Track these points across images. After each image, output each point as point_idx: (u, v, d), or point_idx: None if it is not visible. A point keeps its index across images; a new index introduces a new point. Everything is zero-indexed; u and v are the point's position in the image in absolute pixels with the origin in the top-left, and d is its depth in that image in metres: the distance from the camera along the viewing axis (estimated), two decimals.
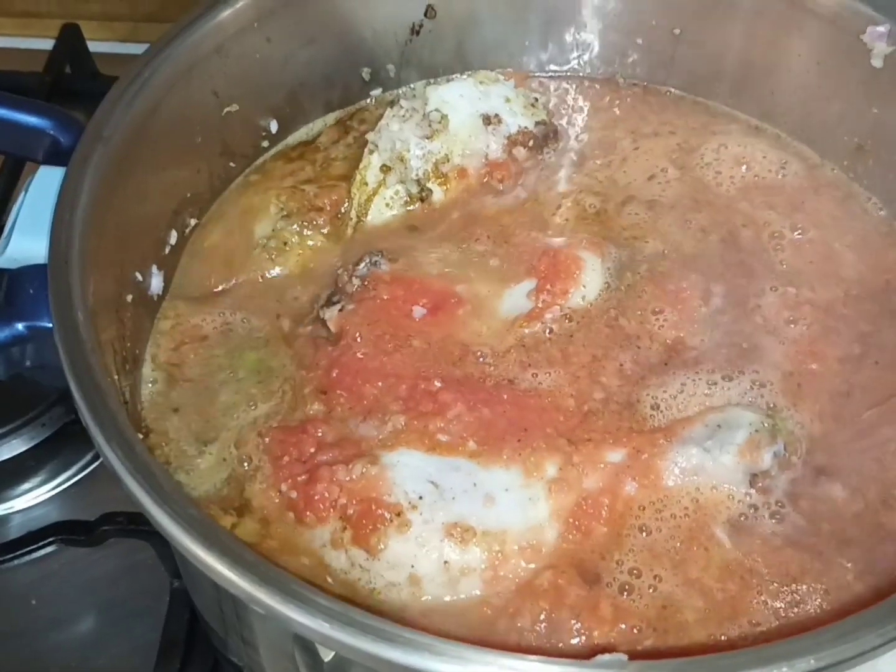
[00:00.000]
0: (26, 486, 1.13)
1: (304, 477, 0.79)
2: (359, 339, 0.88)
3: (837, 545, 0.78)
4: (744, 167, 1.04)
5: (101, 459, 1.09)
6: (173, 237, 0.95)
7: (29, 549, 1.08)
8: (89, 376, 0.67)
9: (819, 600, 0.75)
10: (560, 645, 0.71)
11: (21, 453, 1.13)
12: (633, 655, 0.61)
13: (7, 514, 1.12)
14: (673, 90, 1.13)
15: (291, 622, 0.58)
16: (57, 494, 1.13)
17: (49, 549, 1.08)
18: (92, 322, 0.71)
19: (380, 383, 0.85)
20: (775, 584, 0.76)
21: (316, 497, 0.78)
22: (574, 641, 0.71)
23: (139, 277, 0.89)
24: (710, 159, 1.05)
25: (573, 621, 0.72)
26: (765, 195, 1.02)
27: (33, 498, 1.13)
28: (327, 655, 0.66)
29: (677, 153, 1.06)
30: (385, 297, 0.91)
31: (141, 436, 0.79)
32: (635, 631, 0.73)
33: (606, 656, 0.60)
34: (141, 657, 0.99)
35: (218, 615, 0.84)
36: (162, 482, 0.62)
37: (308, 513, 0.78)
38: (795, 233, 0.99)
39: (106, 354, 0.75)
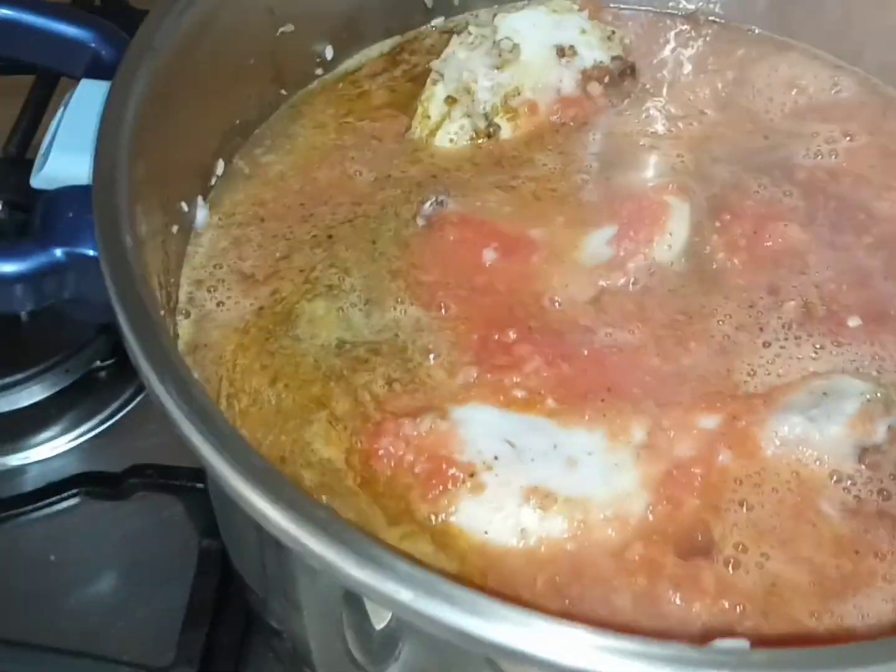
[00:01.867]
0: (46, 435, 1.08)
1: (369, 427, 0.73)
2: None
3: None
4: None
5: (128, 409, 1.07)
6: (220, 167, 0.88)
7: (49, 500, 1.02)
8: (140, 308, 0.59)
9: None
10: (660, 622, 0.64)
11: (41, 400, 1.07)
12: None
13: (25, 465, 1.06)
14: (756, 29, 1.05)
15: (372, 591, 0.51)
16: (79, 445, 1.08)
17: (70, 503, 1.03)
18: (141, 250, 0.64)
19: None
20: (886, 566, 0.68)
21: (381, 452, 0.71)
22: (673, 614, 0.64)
23: (185, 207, 0.81)
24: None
25: (671, 592, 0.66)
26: None
27: (53, 448, 1.07)
28: (380, 622, 0.60)
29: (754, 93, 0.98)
30: (452, 239, 0.84)
31: None
32: (738, 609, 0.66)
33: (727, 641, 0.53)
34: (167, 621, 0.93)
35: (259, 574, 0.78)
36: (221, 427, 0.55)
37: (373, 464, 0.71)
38: None
39: (154, 287, 0.67)
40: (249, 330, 0.80)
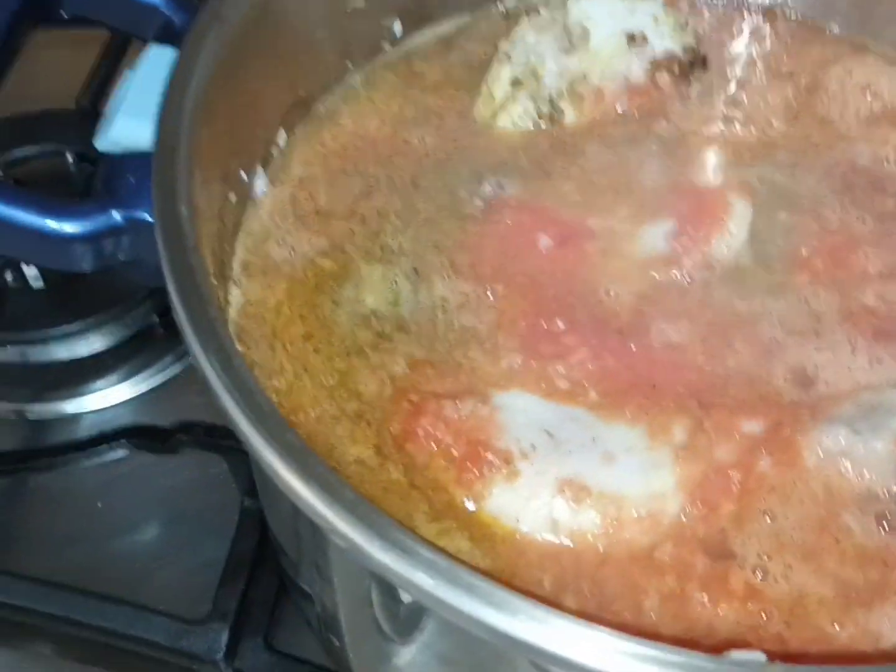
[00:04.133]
0: (101, 385, 1.10)
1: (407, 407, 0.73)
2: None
3: None
4: None
5: (182, 366, 1.09)
6: (282, 138, 0.88)
7: (99, 449, 1.04)
8: (190, 277, 0.60)
9: None
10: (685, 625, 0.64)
11: (99, 351, 1.09)
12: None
13: (80, 414, 1.09)
14: (835, 28, 1.02)
15: (391, 573, 0.52)
16: (133, 398, 1.11)
17: (120, 453, 1.05)
18: (196, 220, 0.64)
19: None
20: None
21: (418, 431, 0.71)
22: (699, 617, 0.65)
23: (244, 177, 0.82)
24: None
25: (699, 594, 0.66)
26: None
27: (108, 399, 1.10)
28: (407, 598, 0.60)
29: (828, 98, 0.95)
30: (509, 223, 0.83)
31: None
32: (763, 616, 0.65)
33: (743, 653, 0.53)
34: (206, 574, 0.95)
35: (292, 540, 0.79)
36: (261, 402, 0.56)
37: (408, 446, 0.72)
38: None
39: (206, 256, 0.68)
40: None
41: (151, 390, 1.10)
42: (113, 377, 1.11)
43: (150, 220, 0.66)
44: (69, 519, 1.01)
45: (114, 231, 0.70)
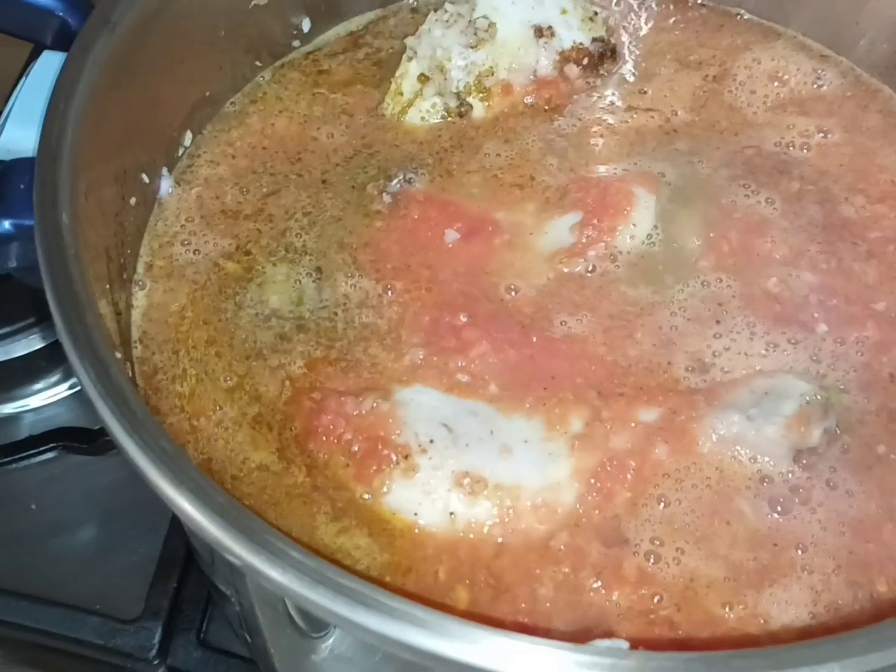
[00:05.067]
0: (39, 385, 1.10)
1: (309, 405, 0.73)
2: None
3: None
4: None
5: None
6: (188, 139, 0.88)
7: (30, 452, 1.05)
8: (68, 284, 0.60)
9: (852, 599, 0.68)
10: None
11: (34, 351, 1.09)
12: (637, 641, 0.55)
13: (18, 413, 1.09)
14: (744, 13, 1.02)
15: (258, 573, 0.53)
16: (70, 396, 1.10)
17: (52, 454, 1.05)
18: (80, 226, 0.65)
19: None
20: (805, 572, 0.68)
21: (320, 429, 0.72)
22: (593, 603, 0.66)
23: (146, 180, 0.82)
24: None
25: (593, 581, 0.67)
26: None
27: (45, 398, 1.10)
28: None
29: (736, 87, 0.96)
30: (416, 217, 0.84)
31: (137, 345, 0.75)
32: (654, 600, 0.67)
33: (606, 641, 0.54)
34: (138, 573, 0.96)
35: (203, 544, 0.79)
36: (134, 408, 0.56)
37: (310, 445, 0.72)
38: None
39: (97, 261, 0.69)
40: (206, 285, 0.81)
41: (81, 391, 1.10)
42: (50, 378, 1.11)
43: None
44: (3, 521, 1.02)
45: (4, 238, 0.70)
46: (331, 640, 0.69)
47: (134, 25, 0.76)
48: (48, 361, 1.10)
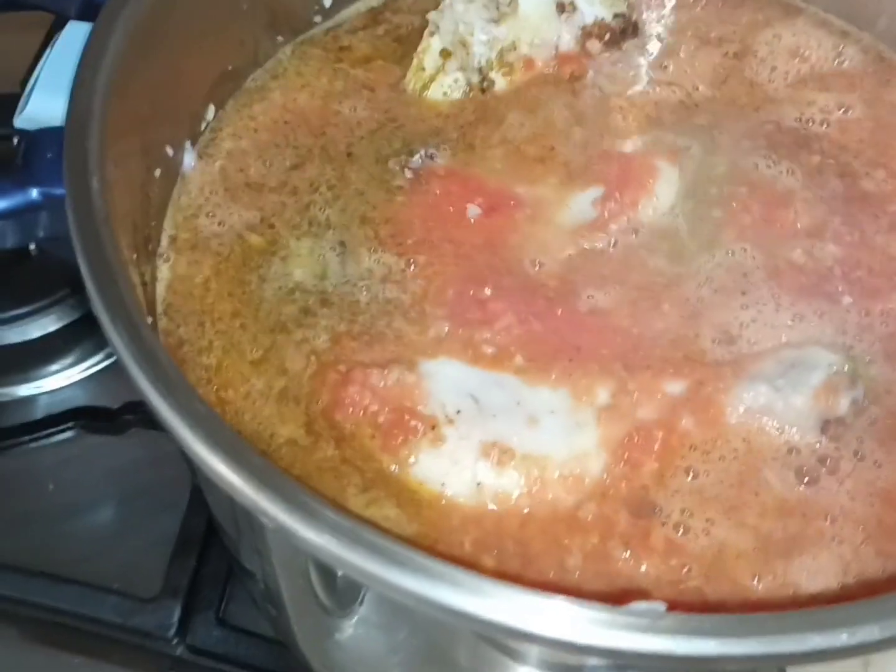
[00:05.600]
0: (54, 367, 1.10)
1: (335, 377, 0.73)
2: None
3: None
4: None
5: None
6: (210, 112, 0.88)
7: (48, 432, 1.05)
8: (100, 249, 0.60)
9: (881, 569, 0.67)
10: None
11: (50, 333, 1.09)
12: (673, 604, 0.54)
13: (34, 395, 1.09)
14: None
15: (296, 537, 0.52)
16: (85, 378, 1.10)
17: (69, 434, 1.06)
18: (109, 193, 0.64)
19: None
20: (834, 541, 0.68)
21: (347, 401, 0.72)
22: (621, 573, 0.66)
23: (170, 152, 0.82)
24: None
25: (622, 551, 0.67)
26: None
27: (61, 380, 1.10)
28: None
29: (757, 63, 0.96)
30: (438, 193, 0.84)
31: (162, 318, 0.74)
32: (683, 571, 0.67)
33: (643, 604, 0.54)
34: (157, 552, 0.96)
35: (230, 520, 0.79)
36: (168, 371, 0.56)
37: (337, 416, 0.72)
38: None
39: (125, 231, 0.68)
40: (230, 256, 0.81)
41: (102, 371, 1.10)
42: (65, 359, 1.11)
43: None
44: (21, 501, 1.02)
45: (32, 207, 0.70)
46: (355, 619, 0.69)
47: None
48: (64, 343, 1.10)
